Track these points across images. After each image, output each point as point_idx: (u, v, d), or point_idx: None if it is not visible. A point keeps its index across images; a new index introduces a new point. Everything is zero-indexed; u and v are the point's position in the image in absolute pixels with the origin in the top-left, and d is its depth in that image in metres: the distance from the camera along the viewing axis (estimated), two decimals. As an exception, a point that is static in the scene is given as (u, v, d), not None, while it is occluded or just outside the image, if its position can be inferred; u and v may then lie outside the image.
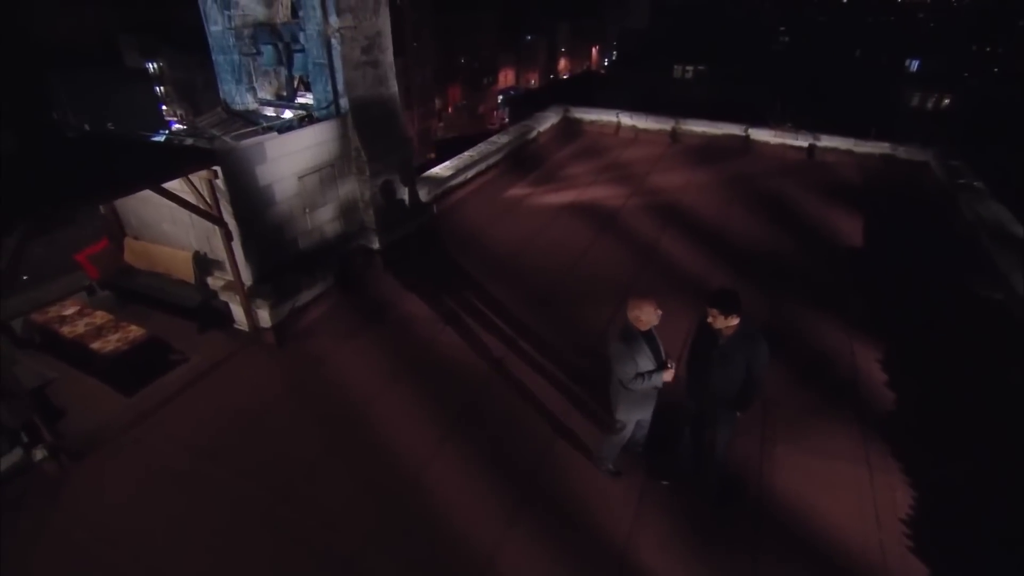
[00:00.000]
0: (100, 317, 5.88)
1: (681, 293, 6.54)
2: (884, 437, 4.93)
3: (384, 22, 6.84)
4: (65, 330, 5.68)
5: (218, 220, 5.37)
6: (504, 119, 67.22)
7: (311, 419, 5.11)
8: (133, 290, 6.53)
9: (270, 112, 7.51)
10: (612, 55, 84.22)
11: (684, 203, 9.42)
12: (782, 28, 71.50)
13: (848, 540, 4.03)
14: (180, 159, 5.01)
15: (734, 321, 3.75)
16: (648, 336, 4.01)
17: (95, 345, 5.45)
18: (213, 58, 7.39)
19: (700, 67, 42.43)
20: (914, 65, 43.98)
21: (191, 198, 5.20)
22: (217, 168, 5.19)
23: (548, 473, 4.60)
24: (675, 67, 43.26)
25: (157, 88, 52.41)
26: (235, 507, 4.30)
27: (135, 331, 5.65)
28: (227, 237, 5.47)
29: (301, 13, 6.37)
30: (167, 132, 6.70)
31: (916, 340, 6.10)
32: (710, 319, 3.81)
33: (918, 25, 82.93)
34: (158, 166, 4.83)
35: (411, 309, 6.60)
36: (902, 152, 10.84)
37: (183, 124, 55.15)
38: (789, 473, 4.59)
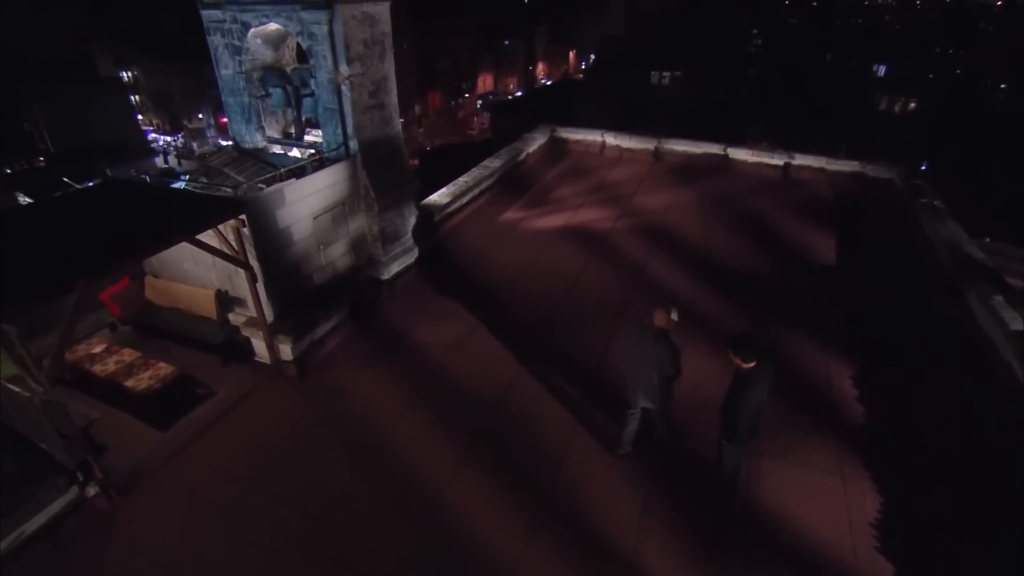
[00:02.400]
0: (128, 355, 6.23)
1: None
2: (855, 448, 5.53)
3: (389, 67, 7.28)
4: (97, 368, 6.02)
5: (245, 264, 5.77)
6: (484, 124, 67.64)
7: (338, 447, 5.54)
8: (154, 326, 6.88)
9: (277, 150, 7.91)
10: (590, 58, 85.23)
11: (669, 224, 10.00)
12: (755, 31, 73.14)
13: (826, 544, 4.60)
14: (214, 210, 5.39)
15: (750, 365, 4.38)
16: None
17: (129, 383, 5.80)
18: (223, 99, 7.75)
19: (677, 72, 43.26)
20: (881, 70, 45.46)
21: (215, 242, 5.59)
22: (243, 216, 5.59)
23: (560, 489, 5.11)
24: (652, 73, 44.03)
25: (132, 97, 51.74)
26: (276, 533, 4.71)
27: (165, 368, 6.01)
28: (252, 279, 5.87)
29: (312, 61, 6.78)
30: (186, 177, 7.02)
31: (883, 356, 6.74)
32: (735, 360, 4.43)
33: (885, 28, 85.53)
34: (195, 218, 5.21)
35: (421, 336, 7.05)
36: (870, 170, 11.59)
37: (160, 133, 54.58)
38: (774, 484, 5.16)
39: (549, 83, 74.18)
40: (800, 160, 12.01)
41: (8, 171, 41.77)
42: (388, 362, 6.61)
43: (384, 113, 7.35)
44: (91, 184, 6.58)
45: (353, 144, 7.02)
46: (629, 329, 5.32)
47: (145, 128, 52.86)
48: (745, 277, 8.39)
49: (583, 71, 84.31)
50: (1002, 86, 63.57)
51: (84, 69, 46.35)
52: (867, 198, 11.17)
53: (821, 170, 11.93)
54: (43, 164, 43.97)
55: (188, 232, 5.09)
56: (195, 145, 53.50)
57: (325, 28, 6.40)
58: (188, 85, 50.49)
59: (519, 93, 72.37)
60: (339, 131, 6.97)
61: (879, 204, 10.88)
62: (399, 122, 7.70)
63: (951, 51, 71.27)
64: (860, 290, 8.08)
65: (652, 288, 8.06)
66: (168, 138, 53.93)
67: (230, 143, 8.11)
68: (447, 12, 61.58)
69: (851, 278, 8.42)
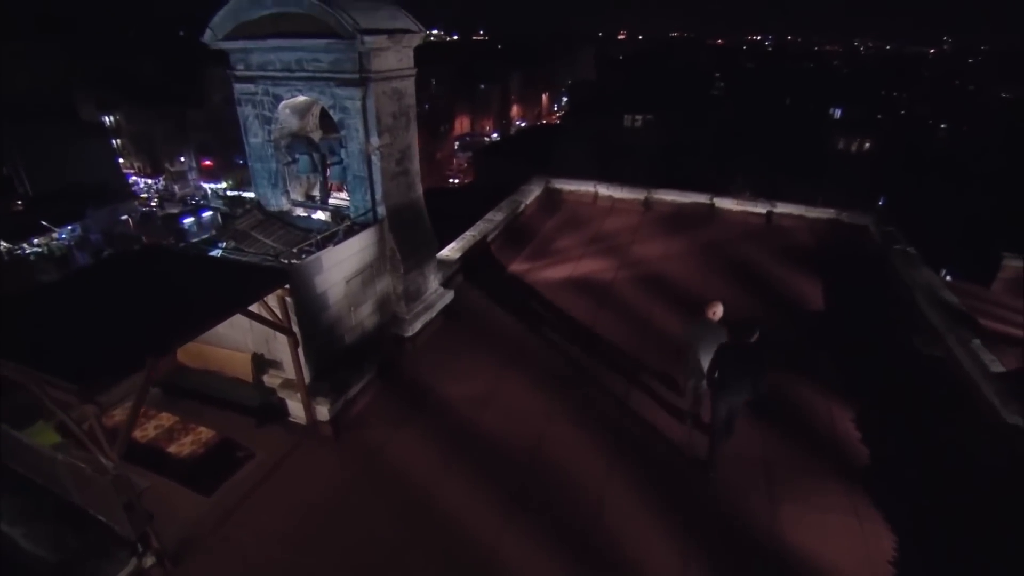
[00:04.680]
0: (167, 419, 6.35)
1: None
2: (866, 489, 5.98)
3: (413, 136, 7.76)
4: (136, 434, 6.11)
5: (288, 331, 6.02)
6: (463, 165, 69.00)
7: (383, 505, 5.73)
8: (185, 388, 7.00)
9: (301, 212, 8.24)
10: (562, 101, 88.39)
11: (667, 273, 10.58)
12: (717, 75, 77.14)
13: (852, 583, 4.98)
14: (264, 280, 5.67)
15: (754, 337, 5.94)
16: None
17: (172, 449, 5.92)
18: (250, 165, 8.09)
19: (648, 116, 45.27)
20: (837, 113, 48.46)
21: (256, 307, 5.84)
22: (287, 285, 5.88)
23: (601, 539, 5.39)
24: (625, 116, 45.97)
25: (113, 141, 51.54)
26: (334, 596, 4.86)
27: (206, 432, 6.14)
28: (295, 344, 6.11)
29: (343, 132, 7.19)
30: (223, 245, 7.29)
31: (876, 398, 7.28)
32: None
33: (834, 72, 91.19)
34: (247, 288, 5.48)
35: (448, 392, 7.32)
36: (846, 217, 12.49)
37: (141, 176, 54.19)
38: (795, 527, 5.54)
39: (524, 125, 76.39)
40: (781, 208, 12.86)
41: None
42: (420, 419, 6.86)
43: (408, 179, 7.79)
44: (133, 251, 6.77)
45: (381, 210, 7.40)
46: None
47: (126, 171, 52.61)
48: (744, 324, 8.90)
49: (556, 113, 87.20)
50: (942, 126, 68.32)
51: (66, 114, 46.30)
52: (845, 244, 12.00)
53: (801, 217, 12.79)
54: (20, 208, 43.17)
55: (243, 303, 5.35)
56: (176, 188, 53.25)
57: (358, 103, 6.85)
58: (170, 129, 50.66)
59: (495, 135, 74.34)
60: (368, 197, 7.36)
61: (856, 249, 11.71)
62: (420, 186, 8.14)
63: (895, 94, 76.33)
64: (848, 334, 8.69)
65: (660, 336, 8.52)
66: (149, 181, 53.61)
67: (253, 203, 8.39)
68: (425, 59, 63.40)
69: (838, 322, 9.06)
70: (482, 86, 75.93)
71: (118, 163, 51.39)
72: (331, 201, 8.26)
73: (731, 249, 11.70)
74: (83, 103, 49.42)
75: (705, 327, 6.55)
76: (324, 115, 8.25)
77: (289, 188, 8.22)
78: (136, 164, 53.39)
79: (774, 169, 37.16)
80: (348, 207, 7.85)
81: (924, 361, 8.11)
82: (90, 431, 4.45)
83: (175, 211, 51.07)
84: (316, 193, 8.43)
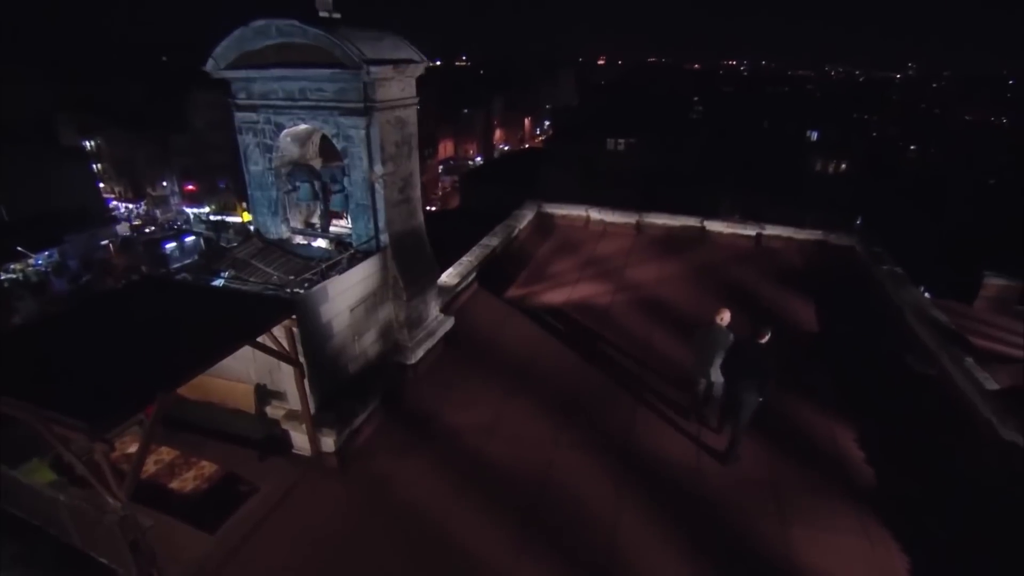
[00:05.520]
0: (167, 453, 6.18)
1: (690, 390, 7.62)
2: (875, 509, 6.02)
3: (415, 164, 7.82)
4: (136, 470, 5.93)
5: (294, 361, 5.94)
6: (447, 188, 69.38)
7: (393, 538, 5.62)
8: (183, 420, 6.83)
9: (300, 240, 8.20)
10: (544, 125, 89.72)
11: (662, 297, 10.68)
12: (696, 98, 79.02)
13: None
14: (271, 310, 5.60)
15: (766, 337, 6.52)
16: None
17: (174, 485, 5.76)
18: (250, 193, 8.05)
19: (631, 139, 46.10)
20: (814, 135, 49.95)
21: (261, 338, 5.75)
22: (294, 315, 5.82)
23: (614, 567, 5.33)
24: (608, 140, 46.76)
25: (94, 165, 50.93)
26: (348, 635, 4.72)
27: (209, 467, 5.99)
28: (301, 375, 6.03)
29: (347, 161, 7.21)
30: (225, 274, 7.20)
31: (877, 417, 7.38)
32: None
33: (808, 95, 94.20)
34: (254, 320, 5.41)
35: (453, 420, 7.26)
36: (833, 238, 12.78)
37: (121, 201, 53.48)
38: (808, 550, 5.55)
39: (507, 148, 77.24)
40: (770, 230, 13.12)
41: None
42: (427, 448, 6.77)
43: (410, 206, 7.81)
44: (135, 281, 6.66)
45: (384, 237, 7.40)
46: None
47: (107, 196, 51.92)
48: (755, 324, 8.96)
49: (538, 137, 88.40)
50: (912, 147, 70.85)
51: (45, 138, 45.76)
52: (833, 264, 12.26)
53: (789, 239, 13.05)
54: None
55: (252, 334, 5.28)
56: (158, 212, 52.59)
57: (363, 132, 6.89)
58: (153, 153, 50.26)
59: (479, 159, 75.02)
60: (371, 225, 7.36)
61: (844, 270, 11.96)
62: (421, 213, 8.16)
63: (866, 117, 78.99)
64: (843, 353, 8.84)
65: (662, 360, 8.56)
66: (130, 205, 52.91)
67: (253, 232, 8.33)
68: (408, 83, 64.03)
69: (833, 342, 9.21)
70: (465, 110, 76.83)
71: (98, 188, 50.77)
72: (333, 229, 8.23)
73: (724, 271, 11.87)
74: (64, 127, 48.84)
75: (715, 332, 7.05)
76: (323, 143, 8.31)
77: (289, 216, 8.19)
78: (117, 189, 52.77)
79: (757, 191, 38.00)
80: (349, 235, 7.84)
81: (919, 380, 8.26)
82: (97, 469, 4.32)
83: (157, 236, 50.43)
84: (315, 221, 8.40)
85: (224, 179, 52.61)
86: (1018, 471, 6.23)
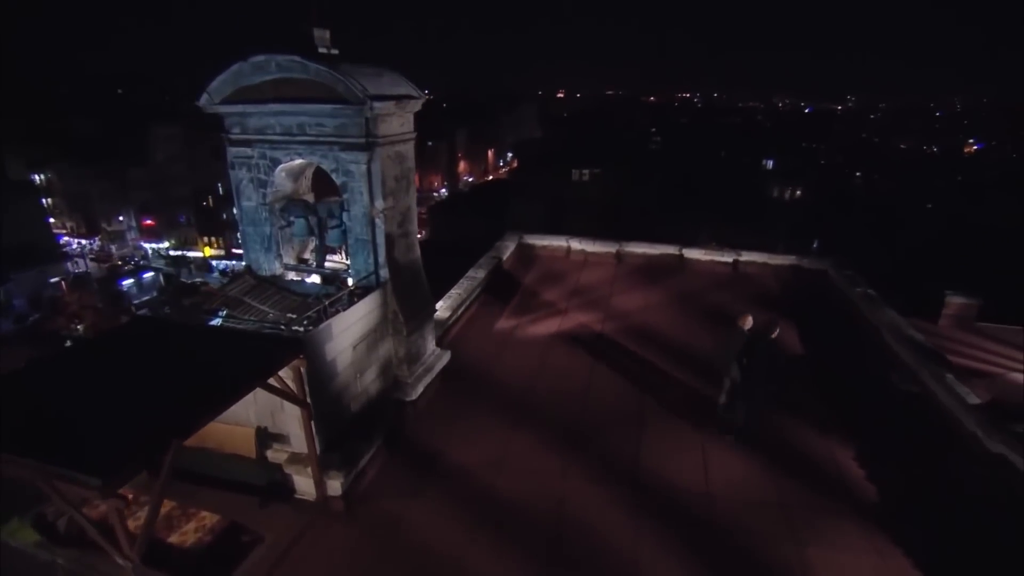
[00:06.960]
0: (164, 505, 5.82)
1: (689, 416, 7.70)
2: (880, 526, 6.15)
3: (413, 198, 7.81)
4: (130, 524, 5.56)
5: (303, 402, 5.75)
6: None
7: (410, 586, 5.41)
8: (182, 468, 6.47)
9: (294, 276, 8.03)
10: (507, 156, 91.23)
11: (650, 324, 10.84)
12: (653, 130, 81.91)
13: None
14: (278, 351, 5.43)
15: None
16: None
17: (173, 539, 5.43)
18: (242, 228, 7.87)
19: (595, 170, 47.31)
20: (770, 164, 52.33)
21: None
22: (302, 355, 5.66)
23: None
24: (572, 171, 47.87)
25: (43, 200, 48.79)
26: None
27: (210, 518, 5.68)
28: (308, 417, 5.83)
29: (346, 195, 7.14)
30: (223, 313, 6.95)
31: (870, 435, 7.61)
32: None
33: (760, 126, 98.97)
34: (261, 361, 5.23)
35: (459, 456, 7.11)
36: (806, 263, 13.31)
37: (73, 237, 51.22)
38: (826, 571, 5.61)
39: (472, 180, 77.96)
40: (746, 257, 13.57)
41: None
42: (434, 487, 6.60)
43: (408, 240, 7.78)
44: (131, 323, 6.37)
45: (384, 272, 7.32)
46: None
47: (58, 231, 49.63)
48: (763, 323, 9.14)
49: (502, 168, 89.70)
50: (857, 174, 74.94)
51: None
52: (807, 287, 12.74)
53: (765, 264, 13.52)
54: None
55: (262, 376, 5.10)
56: (113, 248, 50.49)
57: (364, 167, 6.87)
58: (109, 187, 48.49)
59: (443, 191, 75.39)
60: (371, 260, 7.28)
61: (818, 292, 12.44)
62: (418, 247, 8.13)
63: (814, 146, 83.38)
64: (829, 373, 9.12)
65: (659, 387, 8.65)
66: (84, 241, 50.68)
67: (244, 269, 8.11)
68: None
69: (817, 363, 9.50)
70: (429, 143, 77.46)
71: (48, 223, 48.57)
72: (329, 265, 8.10)
73: (705, 297, 12.16)
74: (13, 161, 46.81)
75: (739, 335, 7.59)
76: (316, 178, 8.24)
77: (282, 252, 8.03)
78: (69, 224, 50.58)
79: (724, 219, 39.32)
80: (344, 270, 7.73)
81: (904, 397, 8.58)
82: (107, 527, 4.04)
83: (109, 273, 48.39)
84: (308, 256, 8.26)
85: (184, 213, 51.18)
86: (1006, 481, 6.51)
